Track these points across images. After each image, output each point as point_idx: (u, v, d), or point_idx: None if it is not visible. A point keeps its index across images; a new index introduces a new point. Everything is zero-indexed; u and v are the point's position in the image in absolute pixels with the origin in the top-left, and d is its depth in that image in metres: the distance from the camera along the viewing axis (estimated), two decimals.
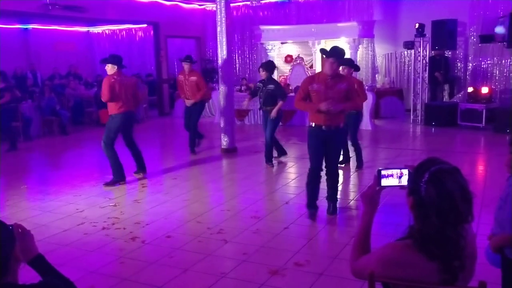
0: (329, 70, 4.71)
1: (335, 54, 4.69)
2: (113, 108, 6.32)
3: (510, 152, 2.44)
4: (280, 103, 7.05)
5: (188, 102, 8.24)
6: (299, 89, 5.11)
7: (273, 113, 7.05)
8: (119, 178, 6.44)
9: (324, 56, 4.88)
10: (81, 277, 3.67)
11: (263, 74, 7.19)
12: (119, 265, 3.99)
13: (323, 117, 4.79)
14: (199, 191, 6.19)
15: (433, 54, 11.78)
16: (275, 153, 7.62)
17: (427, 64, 11.58)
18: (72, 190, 6.25)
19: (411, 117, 11.86)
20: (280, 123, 7.70)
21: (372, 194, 1.86)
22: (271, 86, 7.09)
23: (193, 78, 8.15)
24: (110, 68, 6.35)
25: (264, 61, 14.27)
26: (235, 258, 4.05)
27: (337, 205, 5.15)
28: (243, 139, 9.57)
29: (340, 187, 6.29)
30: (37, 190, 6.45)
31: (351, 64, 6.84)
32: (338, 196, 5.28)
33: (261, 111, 7.66)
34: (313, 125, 4.90)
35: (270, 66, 7.29)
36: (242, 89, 12.58)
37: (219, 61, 8.49)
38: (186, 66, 8.19)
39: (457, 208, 1.58)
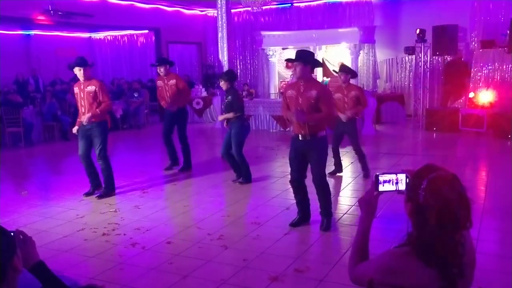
0: (295, 74, 4.85)
1: (297, 57, 4.68)
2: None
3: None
4: (231, 114, 6.50)
5: (171, 107, 7.43)
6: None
7: (221, 117, 6.68)
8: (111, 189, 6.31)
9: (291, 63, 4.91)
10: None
11: (223, 85, 6.59)
12: (119, 271, 3.98)
13: (297, 127, 4.74)
14: (199, 196, 6.18)
15: (450, 59, 11.80)
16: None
17: (440, 69, 11.60)
18: (72, 195, 6.25)
19: (412, 122, 11.85)
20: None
21: (370, 199, 1.86)
22: (229, 98, 6.52)
23: (173, 81, 7.41)
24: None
25: (266, 66, 14.64)
26: (235, 264, 4.03)
27: (331, 221, 4.90)
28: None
29: (340, 193, 6.30)
30: (38, 195, 6.46)
31: (348, 70, 6.83)
32: (339, 203, 5.24)
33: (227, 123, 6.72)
34: (293, 135, 4.89)
35: (231, 75, 6.71)
36: (244, 94, 12.62)
37: (221, 67, 8.48)
38: (161, 69, 7.42)
39: (455, 215, 1.58)
